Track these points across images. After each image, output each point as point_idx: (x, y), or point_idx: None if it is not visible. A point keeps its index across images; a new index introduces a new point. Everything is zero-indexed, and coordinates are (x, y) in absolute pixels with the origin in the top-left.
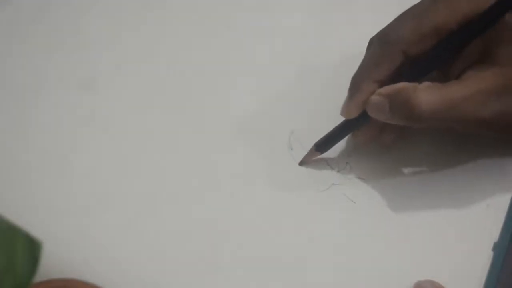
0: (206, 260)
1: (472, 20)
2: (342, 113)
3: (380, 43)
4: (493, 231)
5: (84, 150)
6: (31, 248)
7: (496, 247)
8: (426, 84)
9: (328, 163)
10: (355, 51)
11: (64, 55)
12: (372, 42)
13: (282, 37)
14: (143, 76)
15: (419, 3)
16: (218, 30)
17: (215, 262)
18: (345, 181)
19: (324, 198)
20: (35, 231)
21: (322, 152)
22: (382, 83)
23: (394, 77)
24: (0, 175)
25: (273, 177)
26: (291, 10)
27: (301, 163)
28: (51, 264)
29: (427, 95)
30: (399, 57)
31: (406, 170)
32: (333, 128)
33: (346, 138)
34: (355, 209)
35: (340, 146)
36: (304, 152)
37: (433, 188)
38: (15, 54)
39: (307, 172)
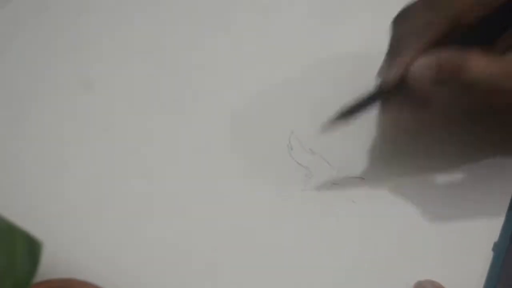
0: (206, 260)
1: None
2: (379, 75)
3: (431, 7)
4: (493, 231)
5: (84, 150)
6: (31, 248)
7: (496, 247)
8: (477, 51)
9: (328, 163)
10: (355, 51)
11: (64, 55)
12: (413, 6)
13: (282, 37)
14: (143, 76)
15: None
16: (218, 30)
17: (214, 262)
18: (345, 181)
19: (324, 198)
20: (35, 231)
21: (347, 121)
22: (426, 50)
23: (439, 45)
24: (0, 175)
25: (273, 177)
26: (292, 10)
27: (323, 128)
28: (51, 264)
29: (481, 61)
30: (450, 24)
31: (406, 170)
32: (361, 97)
33: (349, 136)
34: (355, 209)
35: (339, 147)
36: (304, 152)
37: (433, 188)
38: (15, 53)
39: (307, 172)
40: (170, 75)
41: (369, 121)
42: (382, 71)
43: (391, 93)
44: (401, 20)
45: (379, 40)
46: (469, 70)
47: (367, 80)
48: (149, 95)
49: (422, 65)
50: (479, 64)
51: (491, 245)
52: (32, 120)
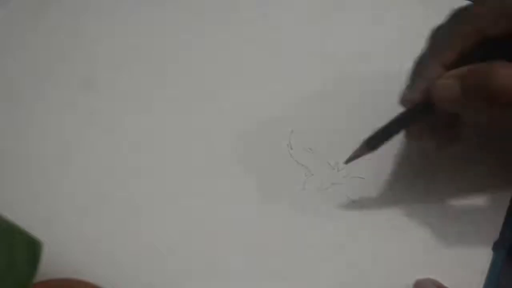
0: (206, 260)
1: None
2: (402, 101)
3: (454, 21)
4: (493, 231)
5: (84, 150)
6: (31, 248)
7: (496, 247)
8: (502, 61)
9: (328, 163)
10: (355, 51)
11: (64, 55)
12: (438, 27)
13: (282, 37)
14: (143, 76)
15: None
16: (218, 31)
17: (214, 262)
18: (345, 181)
19: (324, 197)
20: (35, 231)
21: (373, 150)
22: (449, 68)
23: (464, 63)
24: (0, 175)
25: (273, 177)
26: (291, 11)
27: (348, 161)
28: (51, 264)
29: (508, 69)
30: (473, 37)
31: (406, 170)
32: (387, 122)
33: (349, 135)
34: (355, 208)
35: (340, 145)
36: (304, 152)
37: (433, 188)
38: (15, 54)
39: (307, 171)
40: (170, 74)
41: (369, 120)
42: (406, 93)
43: (417, 116)
44: (429, 39)
45: (379, 39)
46: (496, 77)
47: (367, 78)
48: (150, 95)
49: (445, 84)
50: (506, 71)
51: (491, 245)
52: (32, 120)
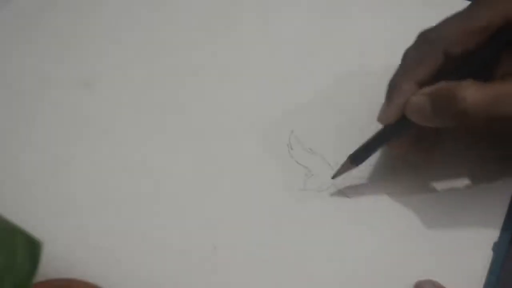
0: (206, 260)
1: None
2: (379, 119)
3: (421, 42)
4: (493, 231)
5: (84, 150)
6: (31, 248)
7: (496, 247)
8: (469, 81)
9: (328, 163)
10: (353, 52)
11: (64, 55)
12: (407, 50)
13: (282, 37)
14: (144, 76)
15: (464, 8)
16: (218, 31)
17: (214, 262)
18: (345, 181)
19: (324, 198)
20: (35, 231)
21: (357, 165)
22: (422, 85)
23: (435, 79)
24: (0, 175)
25: (273, 177)
26: (291, 13)
27: (334, 177)
28: (51, 264)
29: (472, 90)
30: (440, 57)
31: (406, 170)
32: (369, 138)
33: (349, 135)
34: (355, 208)
35: (340, 145)
36: (304, 152)
37: (433, 188)
38: (15, 54)
39: (307, 171)
40: (170, 75)
41: (369, 120)
42: (382, 110)
43: (396, 131)
44: (401, 60)
45: (379, 39)
46: (461, 98)
47: (367, 79)
48: (150, 95)
49: (417, 101)
50: (471, 92)
51: (491, 245)
52: (32, 120)
